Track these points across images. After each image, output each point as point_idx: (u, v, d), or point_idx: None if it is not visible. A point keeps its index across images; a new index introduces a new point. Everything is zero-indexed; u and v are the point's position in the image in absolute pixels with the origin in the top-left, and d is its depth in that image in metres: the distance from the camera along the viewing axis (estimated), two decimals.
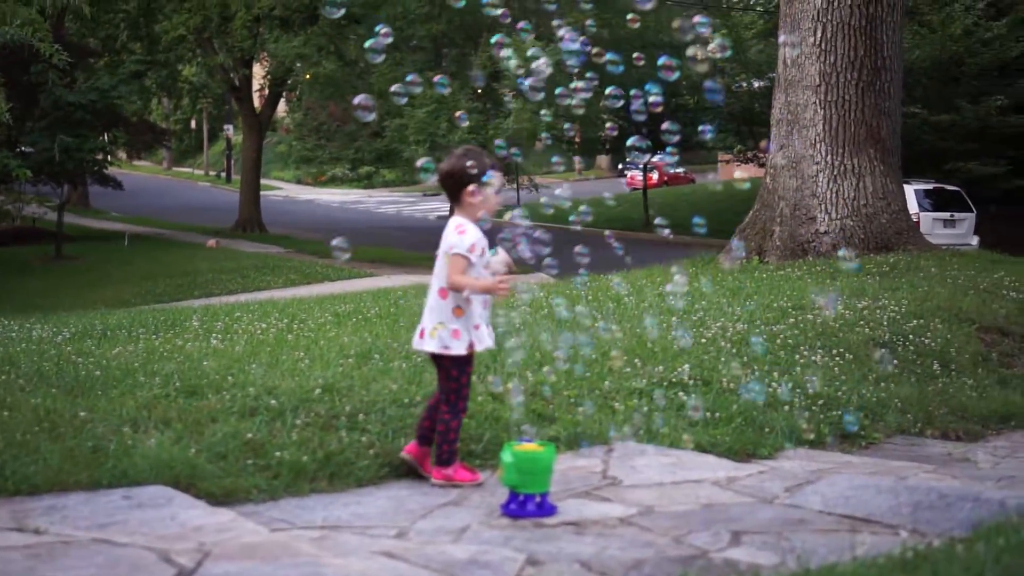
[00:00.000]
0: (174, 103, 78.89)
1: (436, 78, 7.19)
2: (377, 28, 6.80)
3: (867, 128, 15.93)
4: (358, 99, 6.61)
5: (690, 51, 6.67)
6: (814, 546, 5.07)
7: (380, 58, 6.87)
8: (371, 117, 6.66)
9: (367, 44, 6.80)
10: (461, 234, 6.16)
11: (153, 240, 41.53)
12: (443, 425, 6.25)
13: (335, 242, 6.67)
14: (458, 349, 6.18)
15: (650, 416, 7.60)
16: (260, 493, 5.95)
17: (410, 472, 6.42)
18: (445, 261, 6.17)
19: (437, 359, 6.27)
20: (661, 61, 7.15)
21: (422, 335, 6.29)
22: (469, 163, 6.20)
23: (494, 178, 6.21)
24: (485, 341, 6.23)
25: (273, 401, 7.02)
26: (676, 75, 7.06)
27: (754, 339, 8.70)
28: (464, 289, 6.08)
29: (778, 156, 16.38)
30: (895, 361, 10.01)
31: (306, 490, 6.07)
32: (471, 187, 6.19)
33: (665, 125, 7.09)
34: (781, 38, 16.43)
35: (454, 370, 6.23)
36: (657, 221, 6.56)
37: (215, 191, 74.36)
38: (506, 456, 5.67)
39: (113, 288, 28.06)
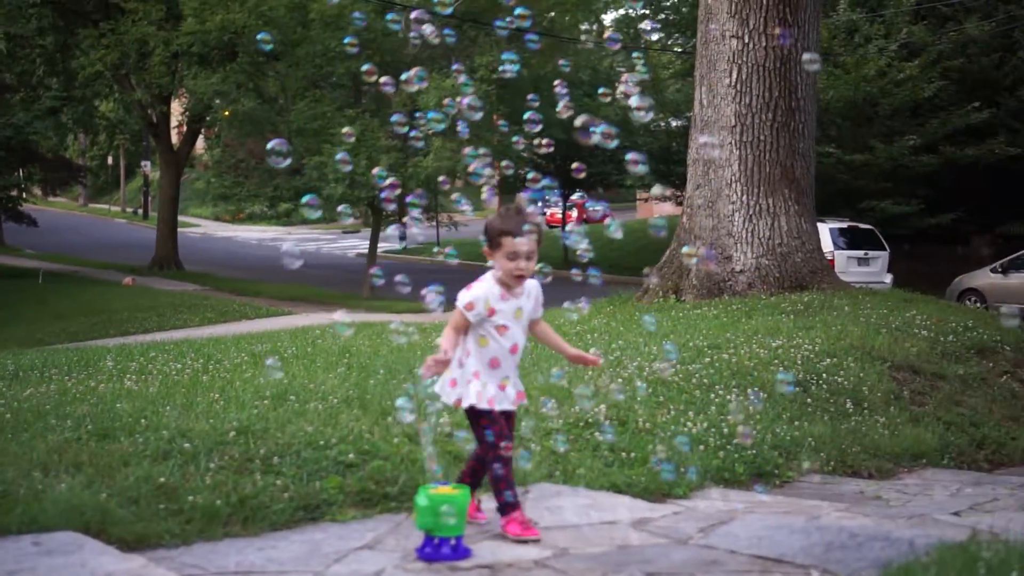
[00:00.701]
0: (91, 139, 78.39)
1: (375, 170, 7.21)
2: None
3: (782, 168, 16.14)
4: (271, 144, 6.65)
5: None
6: None
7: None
8: (286, 163, 6.69)
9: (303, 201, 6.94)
10: (467, 289, 6.09)
11: (68, 278, 41.01)
12: (491, 474, 6.11)
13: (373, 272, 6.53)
14: (448, 398, 6.13)
15: (566, 457, 7.63)
16: (172, 538, 5.89)
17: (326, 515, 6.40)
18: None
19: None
20: (601, 129, 7.17)
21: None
22: (490, 223, 6.17)
23: (516, 242, 6.06)
24: (469, 398, 6.04)
25: (187, 444, 6.95)
26: (615, 143, 7.04)
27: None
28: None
29: (694, 195, 16.54)
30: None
31: (219, 535, 6.01)
32: (484, 248, 6.13)
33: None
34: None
35: (470, 421, 6.17)
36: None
37: (132, 228, 73.70)
38: (421, 499, 5.66)
39: (26, 326, 27.64)
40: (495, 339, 6.07)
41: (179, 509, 6.12)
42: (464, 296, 6.05)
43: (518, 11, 7.36)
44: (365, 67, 7.37)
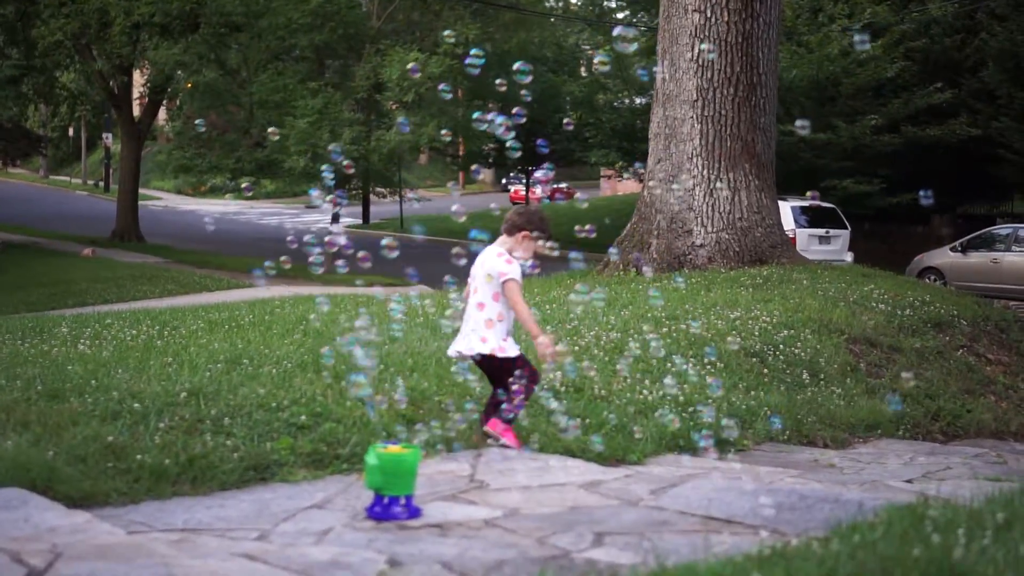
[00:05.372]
0: (51, 110, 77.65)
1: (331, 146, 7.49)
2: None
3: (743, 143, 16.13)
4: None
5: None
6: (675, 546, 5.09)
7: None
8: None
9: None
10: (509, 264, 7.18)
11: (27, 248, 40.61)
12: (516, 398, 7.06)
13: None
14: (511, 351, 7.15)
15: (519, 422, 7.61)
16: (120, 496, 5.84)
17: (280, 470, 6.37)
18: (487, 281, 7.19)
19: (487, 360, 7.17)
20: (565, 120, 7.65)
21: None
22: (543, 220, 7.37)
23: (541, 243, 7.27)
24: (511, 349, 7.18)
25: (137, 405, 6.89)
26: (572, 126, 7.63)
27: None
28: (522, 313, 7.12)
29: (656, 169, 16.52)
30: (765, 371, 10.16)
31: (168, 493, 5.96)
32: (528, 233, 7.27)
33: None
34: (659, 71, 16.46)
35: (507, 364, 7.10)
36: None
37: (93, 200, 73.05)
38: (370, 458, 5.62)
39: None
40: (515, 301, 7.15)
41: (127, 468, 6.07)
42: (516, 271, 7.17)
43: None
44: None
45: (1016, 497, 5.24)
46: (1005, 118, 35.79)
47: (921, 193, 8.80)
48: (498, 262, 7.19)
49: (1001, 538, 4.37)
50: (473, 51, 7.97)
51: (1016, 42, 35.90)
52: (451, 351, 7.33)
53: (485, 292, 7.18)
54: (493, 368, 7.20)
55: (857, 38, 25.90)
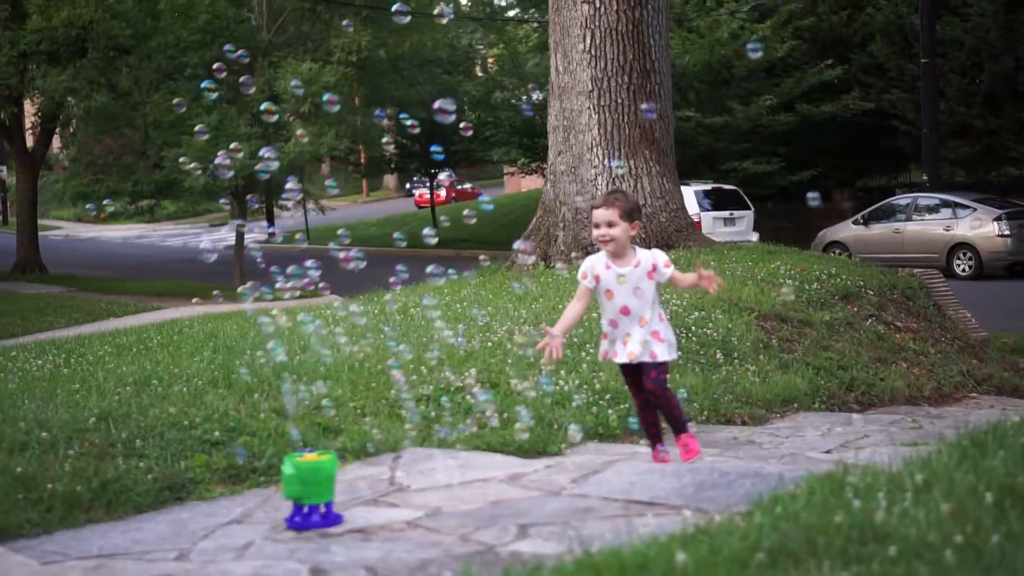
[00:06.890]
0: None
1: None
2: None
3: (641, 130, 16.15)
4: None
5: None
6: (599, 532, 5.07)
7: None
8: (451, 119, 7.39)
9: None
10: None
11: None
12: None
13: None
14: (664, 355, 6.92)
15: (438, 421, 7.56)
16: (33, 527, 5.70)
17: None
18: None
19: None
20: (437, 105, 7.69)
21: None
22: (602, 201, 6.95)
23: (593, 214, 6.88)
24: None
25: (45, 434, 6.74)
26: (452, 118, 7.57)
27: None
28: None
29: (557, 162, 16.52)
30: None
31: (82, 521, 5.84)
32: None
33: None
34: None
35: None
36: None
37: None
38: (287, 468, 5.54)
39: None
40: (606, 302, 6.82)
41: (39, 498, 5.93)
42: (580, 268, 6.91)
43: None
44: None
45: (933, 458, 5.27)
46: (896, 90, 36.40)
47: (809, 195, 8.91)
48: None
49: (921, 499, 4.39)
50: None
51: (901, 14, 36.53)
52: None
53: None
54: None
55: (750, 46, 26.28)
